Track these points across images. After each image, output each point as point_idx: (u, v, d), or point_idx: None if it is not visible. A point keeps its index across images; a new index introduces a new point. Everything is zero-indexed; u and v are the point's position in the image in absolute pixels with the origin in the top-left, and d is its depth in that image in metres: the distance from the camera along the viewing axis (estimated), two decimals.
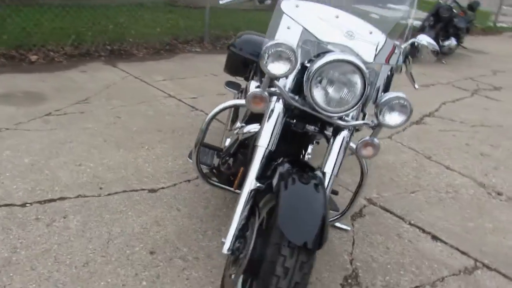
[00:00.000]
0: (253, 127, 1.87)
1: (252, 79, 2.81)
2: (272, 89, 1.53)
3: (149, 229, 2.08)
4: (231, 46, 2.82)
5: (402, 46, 1.64)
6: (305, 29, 1.53)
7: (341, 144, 1.54)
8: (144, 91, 4.01)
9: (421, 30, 6.57)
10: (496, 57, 7.75)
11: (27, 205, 2.15)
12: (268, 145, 1.52)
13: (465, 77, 6.07)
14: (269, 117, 1.54)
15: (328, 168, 1.52)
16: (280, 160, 1.53)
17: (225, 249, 1.45)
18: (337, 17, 1.54)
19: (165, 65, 5.04)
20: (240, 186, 1.56)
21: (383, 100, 1.44)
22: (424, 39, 1.70)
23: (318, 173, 1.46)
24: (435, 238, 2.27)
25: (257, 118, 1.98)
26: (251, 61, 2.74)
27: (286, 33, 1.54)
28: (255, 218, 1.49)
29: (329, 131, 1.65)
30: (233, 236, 1.45)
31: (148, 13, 6.38)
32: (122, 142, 2.94)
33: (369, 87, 1.43)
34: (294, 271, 1.20)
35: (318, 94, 1.45)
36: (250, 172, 1.50)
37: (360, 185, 1.86)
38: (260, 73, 2.57)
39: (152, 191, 2.40)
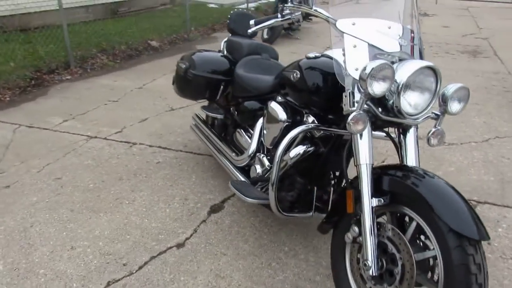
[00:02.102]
0: (299, 150, 1.86)
1: (219, 98, 2.71)
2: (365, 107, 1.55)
3: (218, 285, 1.90)
4: (189, 70, 2.64)
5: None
6: (370, 44, 1.59)
7: (415, 138, 1.68)
8: (56, 140, 3.41)
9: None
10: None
11: None
12: (369, 160, 1.56)
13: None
14: (361, 134, 1.57)
15: (411, 162, 1.64)
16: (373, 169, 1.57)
17: (374, 271, 1.47)
18: (389, 27, 1.64)
19: (48, 103, 4.33)
20: (356, 207, 1.57)
21: (450, 91, 1.61)
22: None
23: (417, 167, 1.58)
24: None
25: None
26: (218, 81, 2.63)
27: (356, 52, 1.57)
28: (385, 232, 1.53)
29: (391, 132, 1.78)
30: (375, 256, 1.48)
31: None
32: (94, 205, 2.51)
33: (440, 84, 1.59)
34: (483, 263, 1.31)
35: (405, 103, 1.54)
36: (364, 191, 1.52)
37: None
38: (233, 90, 2.51)
39: (180, 246, 2.16)
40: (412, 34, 1.69)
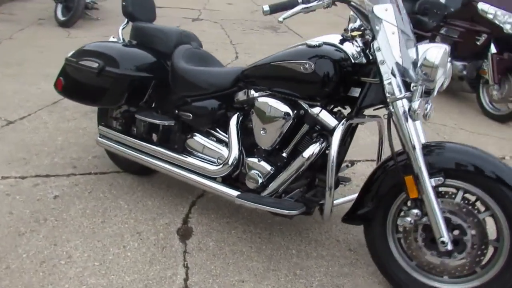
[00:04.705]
0: (314, 148, 1.74)
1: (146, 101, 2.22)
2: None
3: None
4: (105, 69, 2.02)
5: None
6: (401, 30, 1.58)
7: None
8: None
9: None
10: None
11: None
12: (420, 142, 1.59)
13: None
14: (407, 118, 1.57)
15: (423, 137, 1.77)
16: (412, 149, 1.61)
17: (449, 245, 1.56)
18: (399, 11, 1.65)
19: None
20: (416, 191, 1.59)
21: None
22: None
23: (447, 141, 1.72)
24: None
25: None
26: (148, 79, 2.13)
27: (395, 39, 1.55)
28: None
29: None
30: (446, 231, 1.56)
31: None
32: (13, 283, 1.70)
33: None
34: None
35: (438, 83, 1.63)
36: (423, 173, 1.56)
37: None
38: (176, 88, 2.10)
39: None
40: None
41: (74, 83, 2.16)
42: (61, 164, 2.58)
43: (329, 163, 1.65)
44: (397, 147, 1.65)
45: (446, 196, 1.66)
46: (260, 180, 1.85)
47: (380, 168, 1.75)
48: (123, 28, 2.36)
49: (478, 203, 1.62)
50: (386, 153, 1.79)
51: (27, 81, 3.87)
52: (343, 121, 1.69)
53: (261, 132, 1.84)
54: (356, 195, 1.95)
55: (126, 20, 2.37)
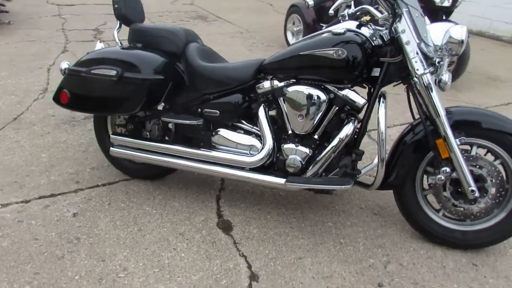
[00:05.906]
0: (349, 128, 1.91)
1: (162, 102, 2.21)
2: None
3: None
4: (124, 75, 1.97)
5: None
6: (420, 12, 1.80)
7: None
8: None
9: None
10: None
11: None
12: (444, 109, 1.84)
13: (56, 29, 5.83)
14: (432, 89, 1.81)
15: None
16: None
17: (477, 192, 1.85)
18: None
19: None
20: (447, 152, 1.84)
21: None
22: None
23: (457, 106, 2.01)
24: None
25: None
26: (167, 81, 2.10)
27: (418, 21, 1.76)
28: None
29: None
30: (473, 182, 1.85)
31: None
32: None
33: None
34: None
35: None
36: (450, 135, 1.81)
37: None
38: (196, 87, 2.13)
39: (254, 278, 1.80)
40: None
41: (85, 94, 2.05)
42: (61, 181, 2.44)
43: (379, 137, 1.83)
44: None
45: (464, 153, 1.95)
46: (301, 164, 1.98)
47: (403, 139, 1.97)
48: (118, 32, 2.28)
49: (489, 154, 1.93)
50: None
51: None
52: (382, 99, 1.88)
53: (298, 118, 1.96)
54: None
55: (119, 23, 2.29)
